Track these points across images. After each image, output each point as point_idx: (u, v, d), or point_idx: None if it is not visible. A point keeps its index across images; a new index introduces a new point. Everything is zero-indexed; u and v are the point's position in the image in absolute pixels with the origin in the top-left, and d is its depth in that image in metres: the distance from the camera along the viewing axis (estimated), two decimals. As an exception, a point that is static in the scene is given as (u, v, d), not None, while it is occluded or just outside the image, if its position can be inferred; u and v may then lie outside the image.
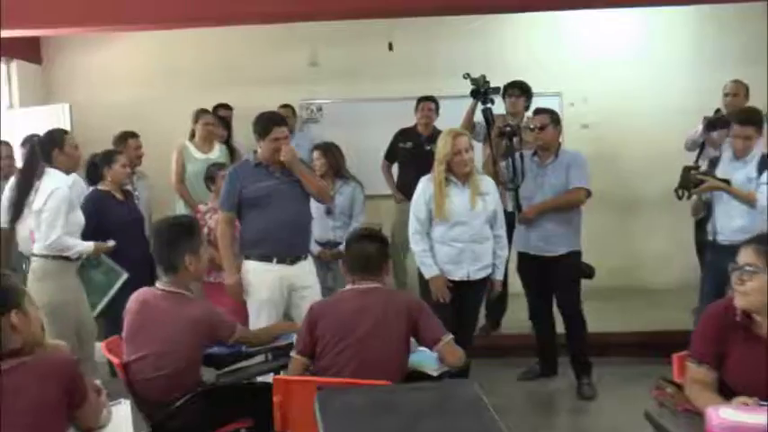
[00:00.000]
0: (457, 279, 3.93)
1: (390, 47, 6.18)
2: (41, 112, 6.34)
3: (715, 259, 3.91)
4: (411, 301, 2.93)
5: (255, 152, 3.93)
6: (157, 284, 2.98)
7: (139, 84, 6.80)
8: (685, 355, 2.44)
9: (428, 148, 5.53)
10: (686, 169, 5.06)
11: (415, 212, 3.97)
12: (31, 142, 4.20)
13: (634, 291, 6.17)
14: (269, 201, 3.79)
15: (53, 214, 3.76)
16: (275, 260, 3.79)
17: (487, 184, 4.02)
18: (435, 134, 5.55)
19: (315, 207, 4.25)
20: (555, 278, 4.46)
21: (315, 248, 4.72)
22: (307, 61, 6.70)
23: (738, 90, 5.14)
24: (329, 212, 5.00)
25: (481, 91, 4.65)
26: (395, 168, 5.94)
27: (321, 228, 4.91)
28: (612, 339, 5.11)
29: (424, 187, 3.96)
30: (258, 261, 3.83)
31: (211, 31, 6.52)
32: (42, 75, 6.96)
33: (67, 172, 4.04)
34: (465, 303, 3.98)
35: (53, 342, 2.24)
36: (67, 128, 6.08)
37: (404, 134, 5.76)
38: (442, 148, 3.89)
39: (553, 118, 4.42)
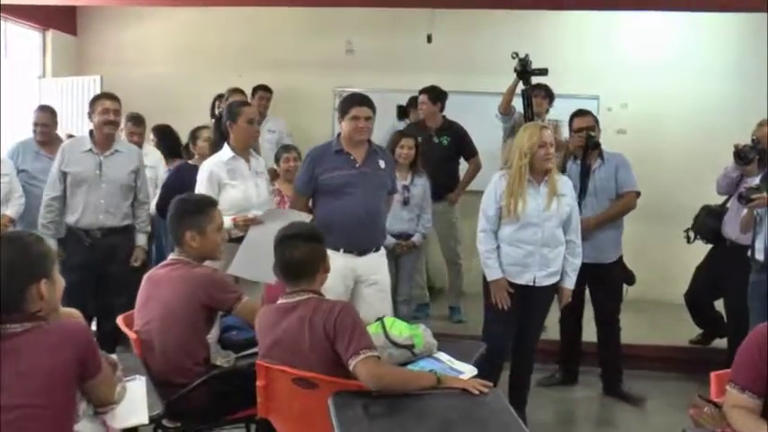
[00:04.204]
0: (522, 283, 3.68)
1: (429, 39, 6.11)
2: (73, 82, 6.35)
3: (764, 278, 3.72)
4: (327, 321, 2.46)
5: (339, 135, 3.73)
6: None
7: (171, 61, 6.79)
8: (726, 377, 2.28)
9: (436, 140, 5.46)
10: (704, 210, 4.75)
11: (485, 209, 3.70)
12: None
13: (667, 304, 5.89)
14: (343, 190, 3.62)
15: (196, 189, 3.75)
16: (342, 250, 3.58)
17: (564, 184, 3.73)
18: (445, 126, 5.50)
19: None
20: (603, 284, 4.37)
21: (389, 240, 4.53)
22: (343, 48, 6.64)
23: None
24: (406, 203, 4.87)
25: (528, 70, 4.55)
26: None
27: (396, 219, 4.71)
28: (639, 352, 4.97)
29: (496, 183, 3.68)
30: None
31: (246, 13, 6.50)
32: (77, 46, 6.97)
33: (241, 147, 3.80)
34: (528, 310, 3.74)
35: (67, 309, 2.21)
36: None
37: (413, 130, 5.60)
38: (527, 140, 3.57)
39: (595, 119, 4.42)
